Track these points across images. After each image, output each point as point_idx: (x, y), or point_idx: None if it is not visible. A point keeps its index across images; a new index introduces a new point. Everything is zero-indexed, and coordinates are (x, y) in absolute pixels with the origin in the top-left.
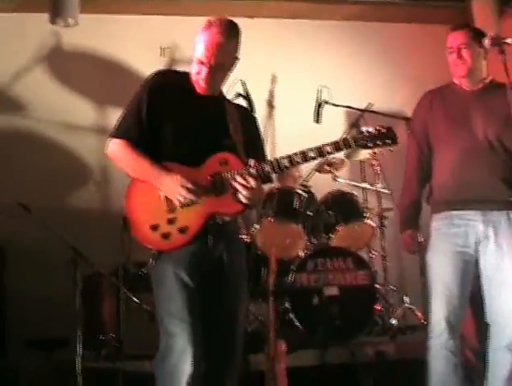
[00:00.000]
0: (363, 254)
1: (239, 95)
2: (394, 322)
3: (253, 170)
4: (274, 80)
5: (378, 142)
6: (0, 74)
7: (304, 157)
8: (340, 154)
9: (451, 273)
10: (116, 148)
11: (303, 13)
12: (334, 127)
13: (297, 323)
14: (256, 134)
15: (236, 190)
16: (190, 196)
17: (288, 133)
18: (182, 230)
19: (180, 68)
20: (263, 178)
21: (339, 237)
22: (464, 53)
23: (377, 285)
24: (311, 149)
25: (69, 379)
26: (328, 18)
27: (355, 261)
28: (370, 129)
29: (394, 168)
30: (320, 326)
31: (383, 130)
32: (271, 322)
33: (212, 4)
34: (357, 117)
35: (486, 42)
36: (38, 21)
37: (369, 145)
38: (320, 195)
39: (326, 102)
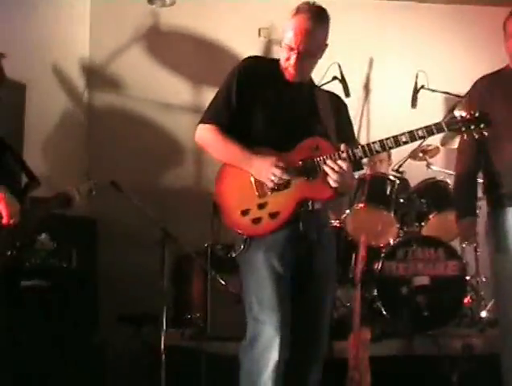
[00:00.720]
0: (455, 244)
1: (335, 78)
2: (484, 314)
3: (344, 155)
4: (371, 63)
5: (472, 126)
6: (99, 52)
7: (396, 141)
8: (435, 141)
9: None
10: (205, 133)
11: None
12: (431, 113)
13: (384, 312)
14: (347, 121)
15: (327, 175)
16: (284, 176)
17: (384, 117)
18: (273, 215)
19: (277, 49)
20: (354, 163)
21: (431, 226)
22: None
23: (467, 277)
24: (403, 134)
25: (155, 355)
26: (429, 1)
27: (446, 251)
28: (464, 114)
29: None
30: (407, 315)
31: (476, 114)
32: (357, 310)
33: None
34: (455, 103)
35: None
36: (137, 0)
37: (463, 129)
38: (413, 182)
39: (423, 87)
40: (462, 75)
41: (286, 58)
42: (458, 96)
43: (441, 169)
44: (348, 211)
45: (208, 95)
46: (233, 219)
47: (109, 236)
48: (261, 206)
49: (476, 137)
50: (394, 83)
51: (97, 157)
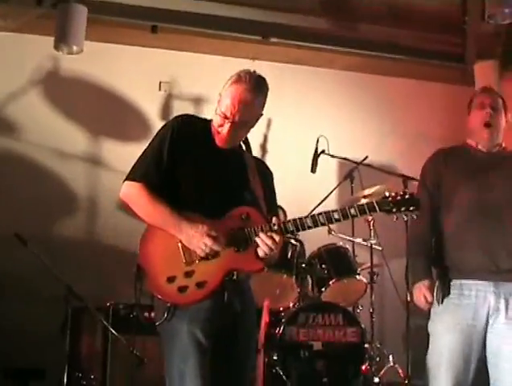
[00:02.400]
0: (351, 309)
1: None
2: (376, 380)
3: (275, 227)
4: (269, 123)
5: (403, 208)
6: None
7: (328, 218)
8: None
9: (458, 350)
10: (132, 191)
11: (304, 59)
12: (326, 176)
13: (284, 377)
14: (272, 188)
15: (257, 247)
16: (215, 246)
17: (280, 179)
18: (199, 284)
19: (177, 104)
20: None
21: (330, 292)
22: (495, 109)
23: (366, 345)
24: (335, 211)
25: None
26: (328, 67)
27: (345, 318)
28: (394, 194)
29: (385, 224)
30: (307, 381)
31: (407, 196)
32: (260, 375)
33: (215, 42)
34: (351, 169)
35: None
36: (38, 43)
37: (394, 210)
38: (313, 247)
39: (323, 152)
40: (357, 141)
41: (219, 124)
42: (355, 162)
43: (341, 235)
44: None
45: (105, 145)
46: (157, 285)
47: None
48: (187, 274)
49: (405, 219)
50: (292, 144)
51: None
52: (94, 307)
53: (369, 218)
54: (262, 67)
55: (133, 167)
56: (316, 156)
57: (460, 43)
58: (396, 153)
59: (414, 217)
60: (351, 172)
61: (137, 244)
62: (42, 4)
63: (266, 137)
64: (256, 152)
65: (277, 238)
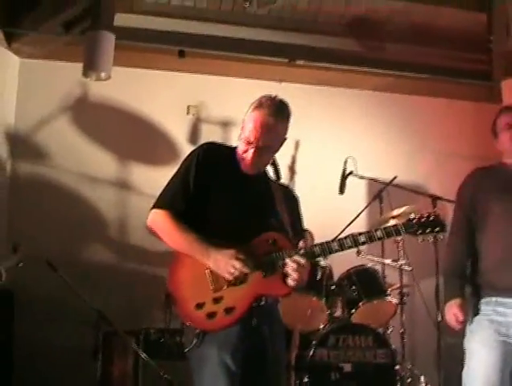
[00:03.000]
0: (381, 330)
1: None
2: None
3: (302, 252)
4: (297, 145)
5: (428, 230)
6: (26, 120)
7: (355, 241)
8: (365, 229)
9: (493, 364)
10: (159, 218)
11: (332, 80)
12: (355, 197)
13: None
14: (299, 214)
15: (286, 273)
16: (244, 269)
17: (308, 200)
18: (228, 310)
19: (205, 128)
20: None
21: (360, 313)
22: None
23: (396, 367)
24: (361, 234)
25: None
26: (354, 88)
27: (375, 339)
28: (419, 216)
29: (415, 244)
30: None
31: (432, 218)
32: None
33: (241, 65)
34: (380, 189)
35: None
36: (68, 69)
37: (419, 232)
38: (342, 268)
39: (351, 173)
40: (385, 161)
41: (243, 150)
42: (384, 183)
43: (370, 256)
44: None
45: (134, 169)
46: (187, 311)
47: (28, 309)
48: (216, 300)
49: (431, 240)
50: (319, 165)
51: (21, 229)
52: (125, 331)
53: (398, 238)
54: (289, 90)
55: (159, 195)
56: (344, 177)
57: (486, 61)
58: (425, 172)
59: (441, 238)
60: (380, 193)
61: (167, 267)
62: (70, 31)
63: (294, 159)
64: (284, 174)
65: (304, 263)
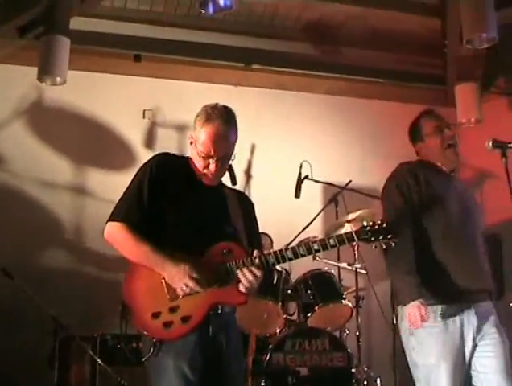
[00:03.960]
0: (337, 333)
1: None
2: None
3: (257, 261)
4: (252, 149)
5: (380, 237)
6: None
7: (308, 249)
8: (320, 233)
9: (448, 373)
10: (115, 231)
11: (287, 84)
12: (310, 201)
13: None
14: (254, 221)
15: (239, 281)
16: (196, 287)
17: (264, 203)
18: (184, 319)
19: (161, 132)
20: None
21: (316, 317)
22: (458, 144)
23: (353, 370)
24: (314, 242)
25: None
26: (310, 92)
27: (332, 343)
28: (371, 224)
29: (370, 247)
30: None
31: (384, 225)
32: None
33: (197, 69)
34: (335, 193)
35: (489, 144)
36: (22, 73)
37: (372, 239)
38: (298, 272)
39: (307, 177)
40: (341, 165)
41: (203, 166)
42: (339, 186)
43: (326, 260)
44: None
45: (90, 174)
46: (143, 321)
47: None
48: (172, 309)
49: (384, 247)
50: (275, 169)
51: None
52: (82, 337)
53: (354, 243)
54: (244, 93)
55: (114, 208)
56: (300, 181)
57: (441, 66)
58: (380, 175)
59: (393, 245)
60: (335, 196)
61: (124, 273)
62: (25, 36)
63: (250, 163)
64: (240, 178)
65: (257, 272)
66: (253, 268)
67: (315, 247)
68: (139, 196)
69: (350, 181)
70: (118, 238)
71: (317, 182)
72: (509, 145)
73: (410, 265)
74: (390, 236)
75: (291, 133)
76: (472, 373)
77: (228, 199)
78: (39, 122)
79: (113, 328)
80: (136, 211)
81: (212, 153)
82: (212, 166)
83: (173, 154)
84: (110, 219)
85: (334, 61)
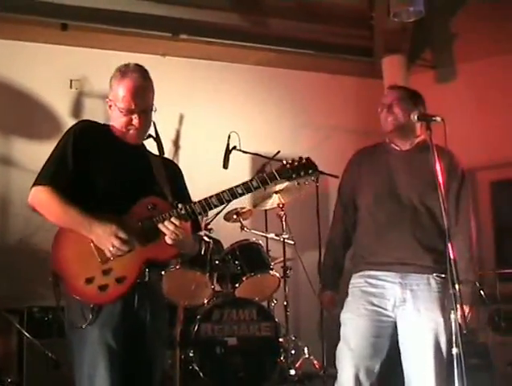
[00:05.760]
0: (265, 303)
1: (149, 136)
2: (293, 372)
3: (183, 212)
4: (181, 119)
5: (301, 173)
6: None
7: (233, 194)
8: (248, 204)
9: (362, 329)
10: (40, 195)
11: (216, 55)
12: (239, 172)
13: (200, 374)
14: (183, 186)
15: (163, 233)
16: (123, 247)
17: (192, 174)
18: (119, 280)
19: (88, 102)
20: (194, 224)
21: (244, 287)
22: (395, 108)
23: (280, 339)
24: (237, 186)
25: None
26: (239, 62)
27: (259, 313)
28: (291, 161)
29: (297, 218)
30: (223, 377)
31: (303, 161)
32: (177, 373)
33: (124, 39)
34: (263, 164)
35: (413, 116)
36: None
37: (293, 176)
38: (226, 243)
39: (235, 148)
40: (269, 136)
41: (126, 122)
42: (267, 157)
43: (254, 230)
44: (162, 272)
45: (16, 144)
46: (76, 287)
47: None
48: (105, 272)
49: (306, 183)
50: (204, 140)
51: None
52: (8, 311)
53: (281, 213)
54: (172, 64)
55: (39, 173)
56: (228, 152)
57: (368, 38)
58: (309, 146)
59: (313, 180)
60: (263, 167)
61: (50, 242)
62: None
63: (178, 133)
64: (168, 148)
65: (176, 222)
66: (172, 219)
67: (239, 190)
68: (64, 160)
69: (279, 151)
70: (44, 202)
71: (245, 152)
72: (433, 118)
73: (330, 258)
74: (310, 172)
75: (220, 104)
76: None
77: (152, 161)
78: None
79: (41, 299)
80: (61, 174)
81: (133, 106)
82: (135, 121)
83: (95, 122)
84: (35, 184)
85: (263, 32)
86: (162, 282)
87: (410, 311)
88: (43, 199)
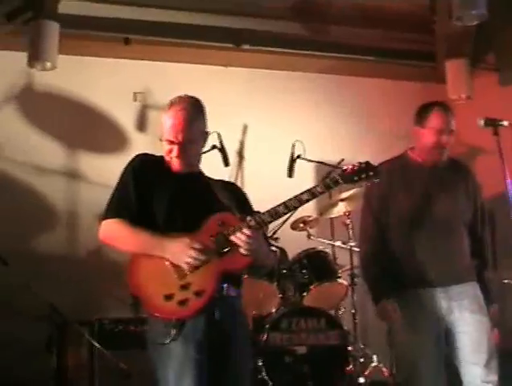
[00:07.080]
0: (333, 311)
1: (214, 147)
2: (362, 380)
3: (252, 223)
4: (245, 130)
5: (363, 176)
6: None
7: (299, 200)
8: (314, 212)
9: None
10: (110, 227)
11: (277, 64)
12: (303, 181)
13: (270, 383)
14: (246, 202)
15: (237, 245)
16: (200, 256)
17: (257, 184)
18: (198, 293)
19: (152, 114)
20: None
21: (312, 296)
22: (448, 138)
23: (349, 347)
24: (303, 193)
25: None
26: (300, 71)
27: (327, 321)
28: (352, 166)
29: None
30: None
31: (363, 164)
32: None
33: (186, 51)
34: (328, 172)
35: (481, 122)
36: (11, 59)
37: (355, 179)
38: (293, 252)
39: (299, 157)
40: (332, 143)
41: (168, 151)
42: (331, 165)
43: (320, 239)
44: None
45: (82, 159)
46: (156, 305)
47: None
48: (183, 287)
49: (369, 184)
50: (268, 149)
51: None
52: (79, 323)
53: (348, 221)
54: (235, 74)
55: (105, 208)
56: (292, 161)
57: (430, 42)
58: (373, 153)
59: (375, 182)
60: (328, 175)
61: (119, 254)
62: (12, 21)
63: (242, 144)
64: (233, 158)
65: (247, 232)
66: (243, 229)
67: (305, 197)
68: (126, 193)
69: (343, 159)
70: (114, 233)
71: (310, 161)
72: (501, 123)
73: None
74: (371, 174)
75: (283, 112)
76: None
77: (211, 184)
78: (30, 108)
79: (111, 311)
80: (126, 206)
81: (171, 138)
82: (174, 151)
83: (150, 154)
84: (102, 219)
85: (324, 39)
86: (241, 300)
87: (457, 317)
88: (114, 230)
